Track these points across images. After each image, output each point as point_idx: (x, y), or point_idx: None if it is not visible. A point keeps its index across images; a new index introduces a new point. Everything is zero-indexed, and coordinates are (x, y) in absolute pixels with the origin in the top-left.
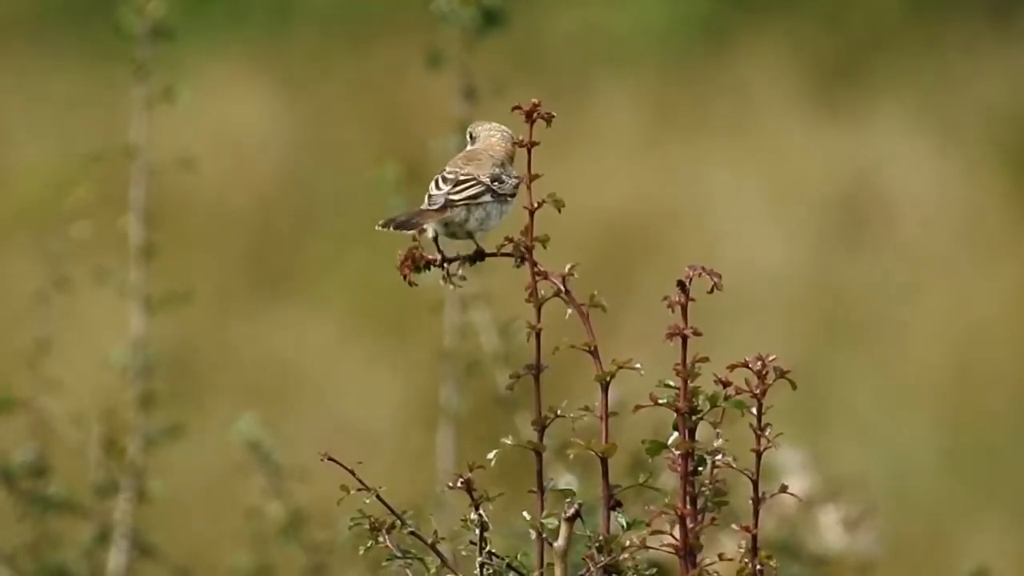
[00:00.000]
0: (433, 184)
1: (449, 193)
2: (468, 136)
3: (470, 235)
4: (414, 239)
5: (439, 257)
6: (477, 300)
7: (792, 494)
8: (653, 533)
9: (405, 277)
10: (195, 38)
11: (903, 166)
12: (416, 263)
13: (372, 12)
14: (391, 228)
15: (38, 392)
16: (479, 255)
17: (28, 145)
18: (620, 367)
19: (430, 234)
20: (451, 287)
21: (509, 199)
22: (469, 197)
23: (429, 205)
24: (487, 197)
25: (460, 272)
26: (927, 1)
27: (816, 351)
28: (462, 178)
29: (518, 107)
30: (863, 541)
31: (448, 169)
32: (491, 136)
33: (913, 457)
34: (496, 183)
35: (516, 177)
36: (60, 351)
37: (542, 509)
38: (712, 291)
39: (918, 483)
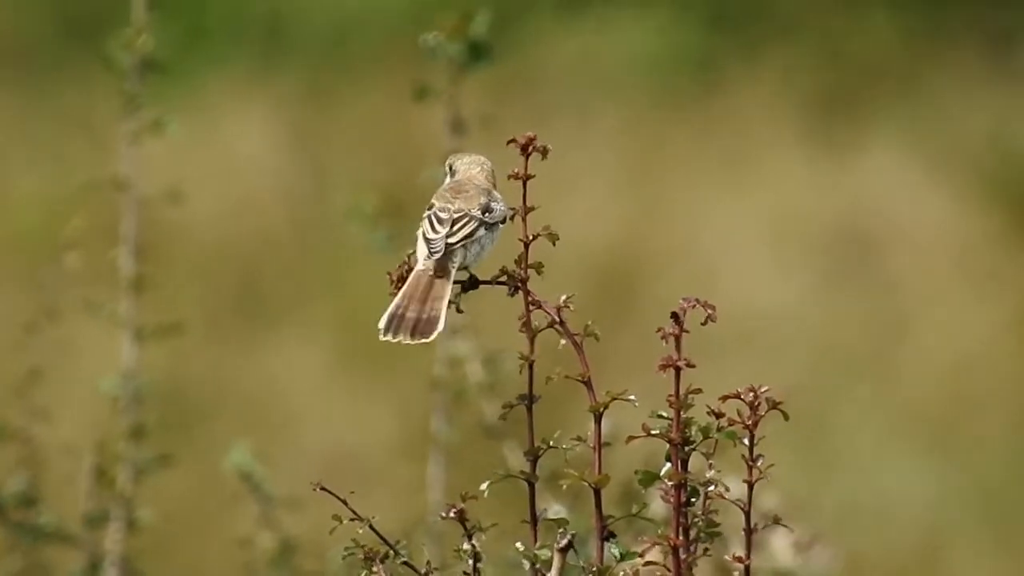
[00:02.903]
0: (428, 225)
1: (447, 237)
2: (448, 168)
3: (465, 268)
4: (406, 260)
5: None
6: (465, 330)
7: (785, 525)
8: (646, 564)
9: None
10: (189, 71)
11: (896, 199)
12: None
13: (366, 45)
14: (405, 338)
15: (29, 422)
16: (474, 283)
17: (23, 174)
18: (614, 398)
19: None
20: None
21: (500, 225)
22: (465, 237)
23: (428, 251)
24: (481, 231)
25: (459, 300)
26: (922, 35)
27: (809, 383)
28: (456, 216)
29: (513, 140)
30: (817, 562)
31: (439, 205)
32: (471, 169)
33: (905, 488)
34: (487, 214)
35: (506, 207)
36: (51, 381)
37: (535, 540)
38: (706, 323)
39: (910, 513)
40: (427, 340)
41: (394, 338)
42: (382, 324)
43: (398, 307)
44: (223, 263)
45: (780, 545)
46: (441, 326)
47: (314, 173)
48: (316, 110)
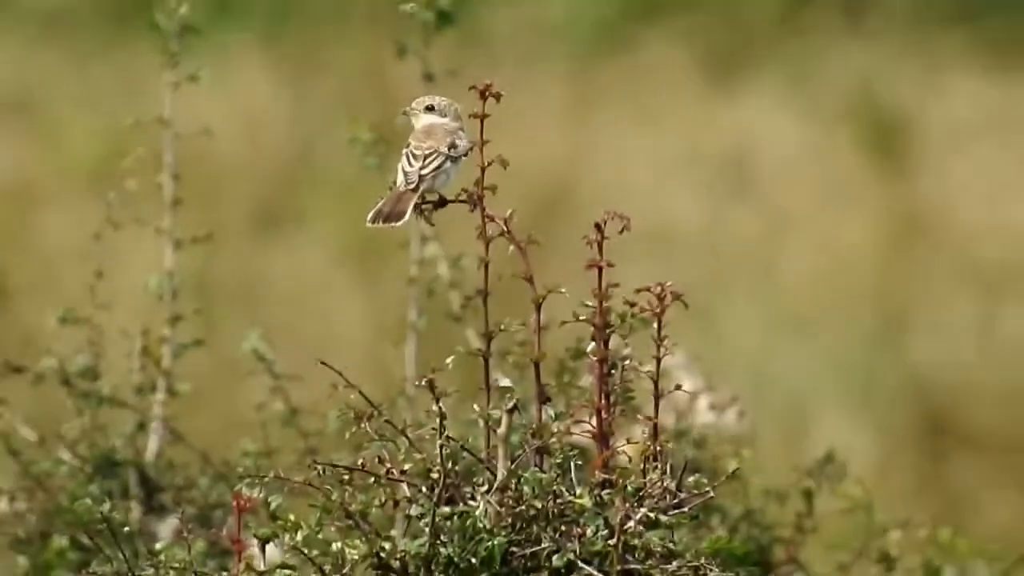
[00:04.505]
0: (405, 161)
1: (420, 170)
2: (427, 107)
3: (435, 191)
4: (391, 187)
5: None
6: (435, 238)
7: (685, 391)
8: (575, 422)
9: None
10: (212, 31)
11: (775, 137)
12: None
13: (357, 9)
14: (381, 223)
15: (94, 311)
16: (443, 202)
17: (82, 118)
18: (550, 291)
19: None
20: (425, 224)
21: (463, 157)
22: (434, 169)
23: (405, 181)
24: (447, 164)
25: (431, 216)
26: (796, 2)
27: (705, 281)
28: (427, 152)
29: (474, 87)
30: (731, 420)
31: (414, 144)
32: (449, 108)
33: (783, 366)
34: (452, 149)
35: (468, 142)
36: (112, 280)
37: (488, 403)
38: (622, 231)
39: (787, 387)
40: (396, 224)
41: (373, 224)
42: (368, 216)
43: (379, 205)
44: (242, 186)
45: (700, 406)
46: (407, 217)
47: (313, 116)
48: (313, 68)
